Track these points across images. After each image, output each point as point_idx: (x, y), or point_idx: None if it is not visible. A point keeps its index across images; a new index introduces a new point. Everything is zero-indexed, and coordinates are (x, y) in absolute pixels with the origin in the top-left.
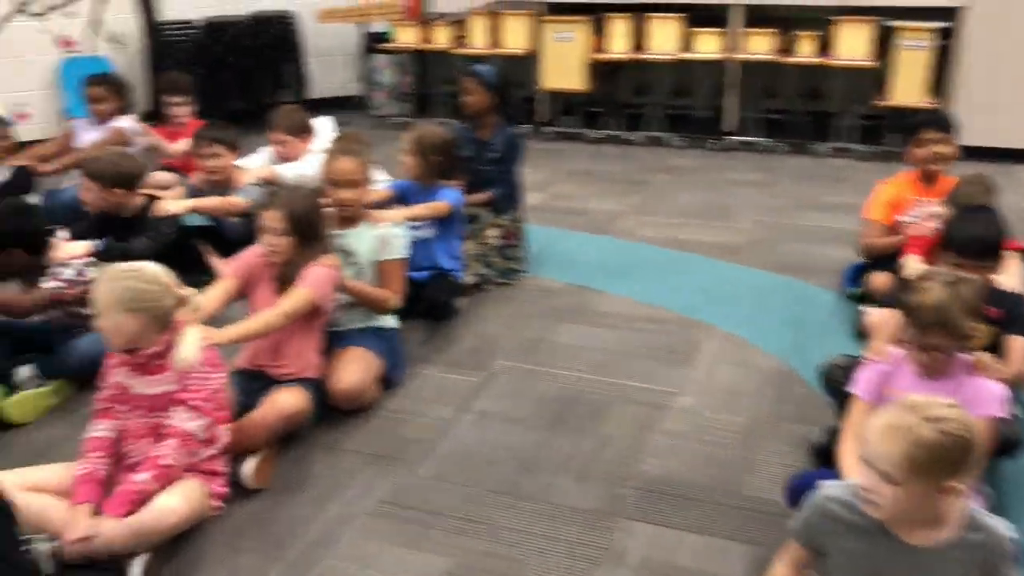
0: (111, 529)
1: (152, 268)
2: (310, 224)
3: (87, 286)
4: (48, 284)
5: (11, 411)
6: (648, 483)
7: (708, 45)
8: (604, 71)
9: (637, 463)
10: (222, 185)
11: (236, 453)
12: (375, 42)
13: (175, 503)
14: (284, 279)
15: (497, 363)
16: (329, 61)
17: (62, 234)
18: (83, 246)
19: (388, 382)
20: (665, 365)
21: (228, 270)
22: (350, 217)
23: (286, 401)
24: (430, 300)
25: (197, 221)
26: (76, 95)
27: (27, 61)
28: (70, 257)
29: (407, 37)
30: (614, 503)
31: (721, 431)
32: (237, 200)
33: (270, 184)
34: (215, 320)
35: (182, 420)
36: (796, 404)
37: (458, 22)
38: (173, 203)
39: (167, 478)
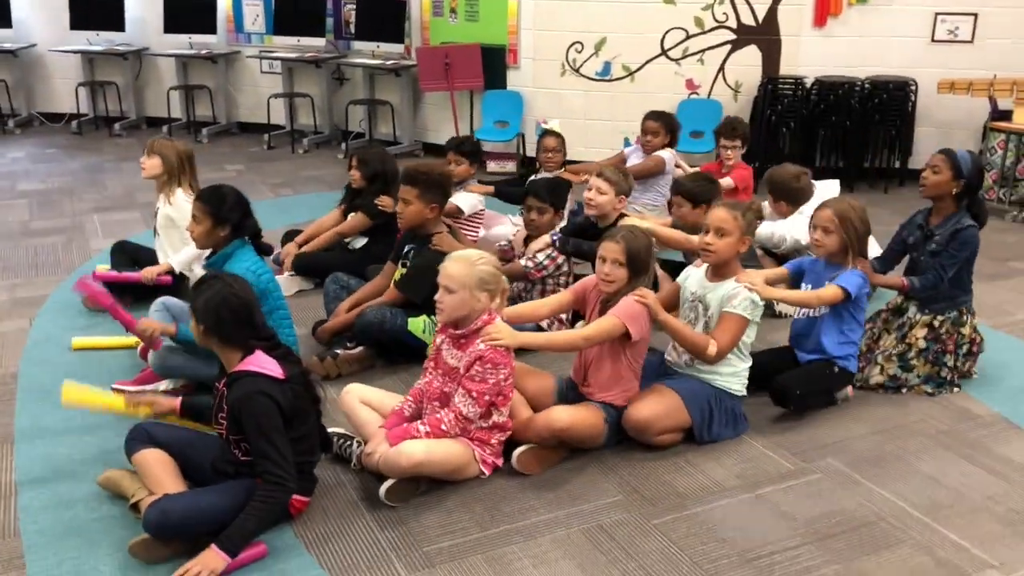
0: (382, 452)
1: (493, 259)
2: (643, 261)
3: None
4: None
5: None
6: None
7: None
8: None
9: None
10: None
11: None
12: (997, 119)
13: (418, 447)
14: (608, 307)
15: (825, 462)
16: (945, 133)
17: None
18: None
19: (697, 436)
20: (1019, 536)
21: (569, 288)
22: (718, 268)
23: (557, 416)
24: (779, 385)
25: None
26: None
27: (655, 97)
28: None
29: None
30: None
31: None
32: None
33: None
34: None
35: (461, 402)
36: None
37: None
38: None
39: (439, 436)
